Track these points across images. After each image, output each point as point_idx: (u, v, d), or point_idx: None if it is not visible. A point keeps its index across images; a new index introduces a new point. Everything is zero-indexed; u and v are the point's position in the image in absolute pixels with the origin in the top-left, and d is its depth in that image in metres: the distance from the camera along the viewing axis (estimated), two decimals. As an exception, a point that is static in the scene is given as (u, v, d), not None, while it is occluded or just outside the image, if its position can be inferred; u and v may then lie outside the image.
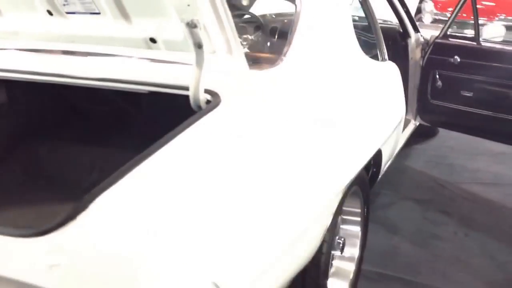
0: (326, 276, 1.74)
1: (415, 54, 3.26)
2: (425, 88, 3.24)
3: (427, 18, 7.76)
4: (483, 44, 2.99)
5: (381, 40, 2.45)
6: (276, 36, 2.18)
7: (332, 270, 2.03)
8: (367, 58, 2.09)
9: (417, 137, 3.77)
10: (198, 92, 1.38)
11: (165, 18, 1.39)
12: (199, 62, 1.37)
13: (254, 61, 1.64)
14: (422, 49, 3.27)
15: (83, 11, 1.50)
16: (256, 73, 1.51)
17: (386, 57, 2.46)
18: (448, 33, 3.18)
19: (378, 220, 2.76)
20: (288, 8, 1.99)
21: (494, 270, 2.35)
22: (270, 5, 2.34)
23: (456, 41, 3.11)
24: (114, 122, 1.67)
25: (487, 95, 2.94)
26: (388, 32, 3.34)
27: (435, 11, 7.62)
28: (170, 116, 1.36)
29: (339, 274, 2.05)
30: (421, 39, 3.29)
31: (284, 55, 1.60)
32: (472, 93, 3.01)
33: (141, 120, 1.47)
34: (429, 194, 3.11)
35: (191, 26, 1.32)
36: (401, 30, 3.22)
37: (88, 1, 1.46)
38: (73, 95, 1.77)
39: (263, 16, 2.38)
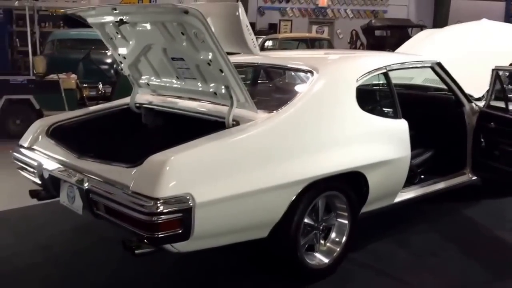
0: (296, 244, 2.85)
1: (471, 120, 4.06)
2: (475, 148, 4.01)
3: None
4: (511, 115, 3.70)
5: (396, 102, 3.47)
6: (286, 92, 3.44)
7: (323, 248, 3.14)
8: (365, 114, 3.18)
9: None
10: (229, 120, 2.80)
11: (219, 83, 2.87)
12: (231, 105, 2.80)
13: (265, 106, 2.96)
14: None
15: (190, 77, 3.07)
16: (261, 113, 2.85)
17: (400, 115, 3.46)
18: (491, 103, 3.93)
19: (399, 237, 3.66)
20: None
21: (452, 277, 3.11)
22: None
23: (493, 111, 3.85)
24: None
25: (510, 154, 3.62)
26: (447, 102, 4.24)
27: None
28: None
29: (326, 252, 3.12)
30: (476, 108, 4.07)
31: (285, 107, 2.90)
32: (503, 153, 3.71)
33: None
34: (458, 231, 3.82)
35: (226, 87, 2.78)
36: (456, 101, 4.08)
37: (191, 73, 3.02)
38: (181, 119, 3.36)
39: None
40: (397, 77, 4.69)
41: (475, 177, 4.06)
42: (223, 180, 2.52)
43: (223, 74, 2.72)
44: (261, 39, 12.38)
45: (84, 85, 7.61)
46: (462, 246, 3.55)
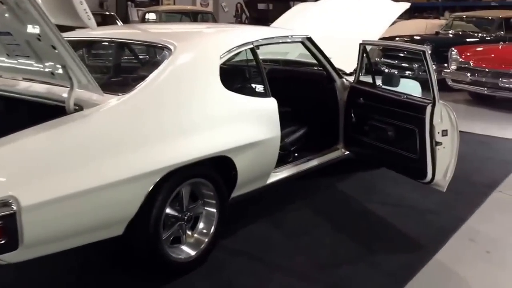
0: (158, 238, 2.61)
1: (343, 96, 4.05)
2: (346, 123, 4.02)
3: (453, 65, 8.28)
4: (378, 89, 3.73)
5: (264, 80, 3.31)
6: (139, 72, 3.17)
7: (190, 240, 2.92)
8: (230, 93, 2.97)
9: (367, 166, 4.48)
10: (70, 104, 2.43)
11: (54, 61, 2.46)
12: (71, 87, 2.43)
13: (113, 88, 2.65)
14: (348, 92, 4.04)
15: (22, 55, 2.62)
16: (108, 96, 2.52)
17: (268, 93, 3.30)
18: (360, 79, 3.95)
19: (272, 218, 3.57)
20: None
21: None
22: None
23: (362, 86, 3.87)
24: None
25: (378, 130, 3.64)
26: (319, 77, 4.19)
27: (460, 59, 8.09)
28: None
29: (193, 244, 2.89)
30: (346, 83, 4.07)
31: (136, 88, 2.60)
32: (370, 128, 3.74)
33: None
34: (331, 206, 3.83)
35: (62, 66, 2.39)
36: (327, 77, 4.04)
37: (24, 51, 2.57)
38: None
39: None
40: (270, 52, 4.61)
41: (348, 152, 4.09)
42: (60, 177, 2.18)
43: (56, 51, 2.32)
44: (141, 11, 11.75)
45: None
46: (333, 222, 3.55)
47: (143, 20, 12.04)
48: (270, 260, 3.02)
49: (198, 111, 2.80)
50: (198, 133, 2.76)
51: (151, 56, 3.23)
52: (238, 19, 15.63)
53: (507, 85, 7.18)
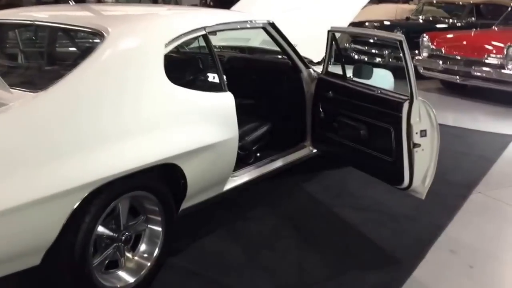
0: (85, 266, 2.15)
1: (310, 87, 3.63)
2: (314, 119, 3.60)
3: (424, 52, 7.99)
4: (349, 82, 3.32)
5: (219, 72, 2.85)
6: (61, 63, 2.67)
7: (130, 264, 2.45)
8: (177, 89, 2.50)
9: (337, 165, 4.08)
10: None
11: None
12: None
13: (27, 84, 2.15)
14: (316, 83, 3.62)
15: None
16: (19, 94, 2.03)
17: (224, 87, 2.85)
18: (329, 69, 3.54)
19: (230, 228, 3.14)
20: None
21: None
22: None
23: (331, 78, 3.45)
24: None
25: (349, 128, 3.24)
26: (284, 67, 3.75)
27: (431, 46, 7.80)
28: None
29: (134, 268, 2.44)
30: (314, 74, 3.65)
31: (58, 83, 2.10)
32: (340, 125, 3.34)
33: None
34: (297, 212, 3.42)
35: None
36: (292, 67, 3.60)
37: None
38: None
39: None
40: (230, 39, 4.15)
41: (316, 150, 3.69)
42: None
43: None
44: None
45: None
46: (300, 233, 3.15)
47: (99, 0, 11.29)
48: (226, 283, 2.60)
49: (137, 110, 2.32)
50: (137, 137, 2.29)
51: (79, 44, 2.72)
52: (203, 1, 14.97)
53: (479, 74, 6.92)
